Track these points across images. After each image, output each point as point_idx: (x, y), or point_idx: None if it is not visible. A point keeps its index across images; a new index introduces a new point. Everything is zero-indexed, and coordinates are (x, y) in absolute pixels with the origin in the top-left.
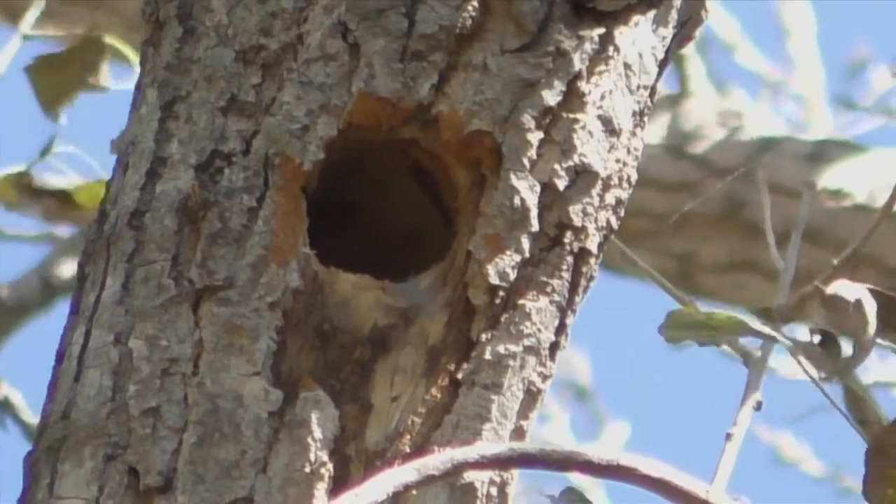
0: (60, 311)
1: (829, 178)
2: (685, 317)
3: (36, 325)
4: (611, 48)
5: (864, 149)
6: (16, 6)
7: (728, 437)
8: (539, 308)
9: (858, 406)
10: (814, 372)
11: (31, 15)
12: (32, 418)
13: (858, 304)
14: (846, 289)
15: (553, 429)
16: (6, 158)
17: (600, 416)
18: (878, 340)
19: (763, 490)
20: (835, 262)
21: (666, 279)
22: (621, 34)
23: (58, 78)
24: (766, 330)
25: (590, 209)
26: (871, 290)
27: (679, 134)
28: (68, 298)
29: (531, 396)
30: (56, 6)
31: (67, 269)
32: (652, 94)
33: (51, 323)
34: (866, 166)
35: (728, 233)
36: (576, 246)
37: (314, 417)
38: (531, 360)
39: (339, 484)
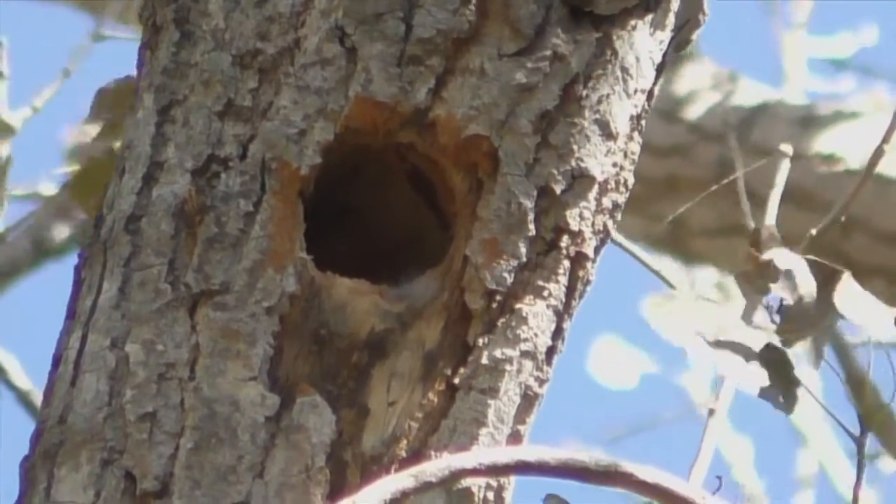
0: (51, 272)
1: (822, 142)
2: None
3: (26, 286)
4: (608, 52)
5: (858, 114)
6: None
7: (711, 412)
8: (536, 312)
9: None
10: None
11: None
12: (26, 384)
13: (788, 273)
14: (781, 257)
15: None
16: None
17: None
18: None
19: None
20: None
21: (656, 244)
22: (619, 38)
23: None
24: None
25: (587, 213)
26: (811, 261)
27: (672, 98)
28: (58, 259)
29: (528, 401)
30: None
31: (58, 230)
32: (649, 98)
33: (41, 284)
34: (859, 131)
35: (718, 197)
36: (572, 250)
37: (311, 422)
38: (528, 364)
39: (336, 488)
